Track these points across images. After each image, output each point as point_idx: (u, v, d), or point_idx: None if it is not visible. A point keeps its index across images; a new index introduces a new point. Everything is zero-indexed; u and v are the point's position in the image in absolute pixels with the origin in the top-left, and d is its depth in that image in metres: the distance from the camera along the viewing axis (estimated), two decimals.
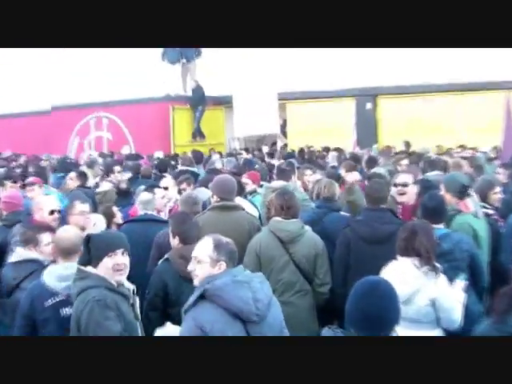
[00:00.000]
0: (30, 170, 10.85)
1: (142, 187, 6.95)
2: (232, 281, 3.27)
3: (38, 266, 4.43)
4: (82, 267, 3.64)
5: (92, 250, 3.62)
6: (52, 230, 4.73)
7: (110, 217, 6.01)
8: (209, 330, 3.14)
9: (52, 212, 5.43)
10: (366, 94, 16.78)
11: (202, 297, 3.26)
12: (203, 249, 3.44)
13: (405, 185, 5.76)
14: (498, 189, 6.03)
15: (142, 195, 6.16)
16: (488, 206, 5.80)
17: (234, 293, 3.23)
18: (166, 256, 4.48)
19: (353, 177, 7.26)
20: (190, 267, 3.48)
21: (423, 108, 16.13)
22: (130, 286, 3.70)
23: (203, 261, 3.40)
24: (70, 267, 3.92)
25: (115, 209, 6.31)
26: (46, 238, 4.61)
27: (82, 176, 8.45)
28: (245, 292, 3.24)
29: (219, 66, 17.65)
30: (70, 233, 4.20)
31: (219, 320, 3.18)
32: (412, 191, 5.76)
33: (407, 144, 13.21)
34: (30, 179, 7.41)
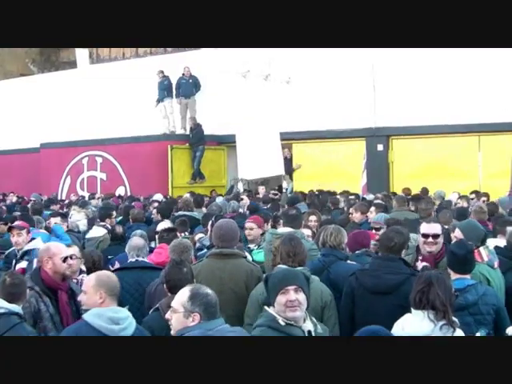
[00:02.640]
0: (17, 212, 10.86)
1: (139, 232, 6.98)
2: (202, 335, 3.35)
3: (18, 320, 4.40)
4: (266, 307, 3.92)
5: (269, 288, 3.91)
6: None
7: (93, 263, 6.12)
8: None
9: (65, 259, 5.25)
10: (378, 134, 16.81)
11: None
12: (178, 298, 3.57)
13: (436, 236, 5.70)
14: None
15: (134, 240, 6.20)
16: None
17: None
18: (157, 305, 4.56)
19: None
20: (167, 316, 3.63)
21: (440, 150, 16.15)
22: (307, 328, 3.76)
23: (177, 310, 3.53)
24: (119, 311, 4.08)
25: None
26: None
27: (64, 218, 8.52)
28: None
29: (220, 103, 17.82)
30: (115, 277, 4.31)
31: None
32: (441, 241, 5.75)
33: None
34: (18, 223, 7.20)
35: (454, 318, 3.98)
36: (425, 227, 5.83)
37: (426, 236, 5.71)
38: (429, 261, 5.62)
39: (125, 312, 4.09)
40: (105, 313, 4.01)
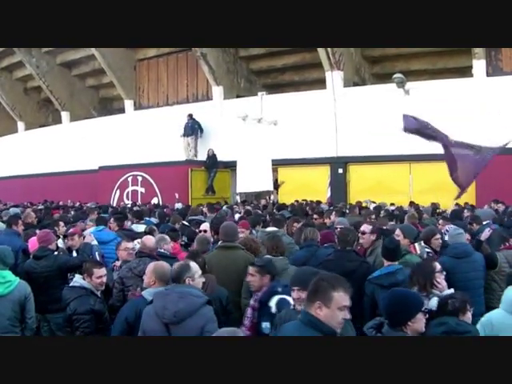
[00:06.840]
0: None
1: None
2: (159, 292, 3.71)
3: (85, 292, 4.51)
4: None
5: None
6: None
7: None
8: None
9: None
10: (339, 161, 16.87)
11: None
12: None
13: (363, 233, 5.72)
14: (438, 236, 6.03)
15: (157, 237, 5.91)
16: (429, 249, 5.84)
17: (155, 300, 3.63)
18: None
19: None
20: None
21: (383, 173, 16.17)
22: None
23: None
24: None
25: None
26: (97, 271, 4.60)
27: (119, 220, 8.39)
28: (160, 301, 3.56)
29: (227, 138, 17.80)
30: (168, 266, 4.14)
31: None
32: (368, 238, 5.72)
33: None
34: (71, 230, 7.00)
35: None
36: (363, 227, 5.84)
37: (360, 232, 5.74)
38: (361, 251, 5.60)
39: None
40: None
